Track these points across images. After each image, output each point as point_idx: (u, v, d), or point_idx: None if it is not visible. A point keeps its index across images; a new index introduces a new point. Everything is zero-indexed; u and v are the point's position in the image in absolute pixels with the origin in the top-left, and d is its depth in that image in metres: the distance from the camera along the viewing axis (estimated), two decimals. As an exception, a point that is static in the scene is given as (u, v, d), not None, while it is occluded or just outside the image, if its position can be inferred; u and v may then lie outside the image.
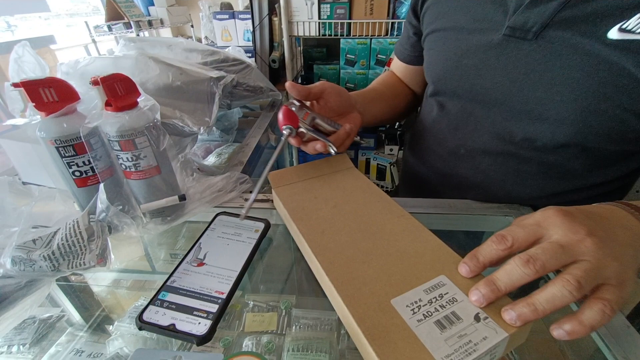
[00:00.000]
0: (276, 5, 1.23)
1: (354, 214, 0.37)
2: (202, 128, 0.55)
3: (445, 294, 0.27)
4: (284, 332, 0.37)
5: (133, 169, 0.39)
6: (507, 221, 0.47)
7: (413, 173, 0.63)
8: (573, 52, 0.37)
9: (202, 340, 0.29)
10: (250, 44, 1.32)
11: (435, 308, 0.26)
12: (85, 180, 0.39)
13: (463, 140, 0.51)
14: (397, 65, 0.68)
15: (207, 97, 0.60)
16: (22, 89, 0.33)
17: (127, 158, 0.38)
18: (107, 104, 0.37)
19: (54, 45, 2.48)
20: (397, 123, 1.30)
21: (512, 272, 0.25)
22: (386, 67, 1.20)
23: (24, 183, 0.46)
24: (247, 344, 0.36)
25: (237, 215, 0.44)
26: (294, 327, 0.38)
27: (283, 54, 1.36)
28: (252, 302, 0.41)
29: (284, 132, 0.42)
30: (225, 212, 0.45)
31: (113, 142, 0.38)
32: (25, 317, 0.36)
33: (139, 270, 0.46)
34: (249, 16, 1.27)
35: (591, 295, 0.25)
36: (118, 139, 0.37)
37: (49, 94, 0.35)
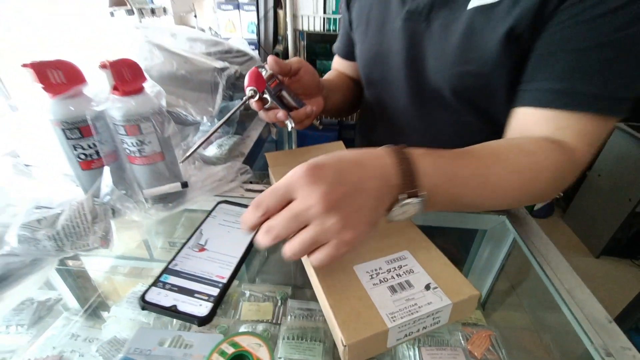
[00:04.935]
0: (281, -2, 1.22)
1: None
2: (204, 117, 0.55)
3: (404, 266, 0.31)
4: (279, 322, 0.39)
5: (137, 154, 0.40)
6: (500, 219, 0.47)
7: None
8: None
9: (203, 321, 0.30)
10: (254, 36, 1.31)
11: (392, 276, 0.30)
12: (89, 164, 0.40)
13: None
14: (339, 63, 0.68)
15: (210, 87, 0.60)
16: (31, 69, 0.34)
17: (132, 143, 0.39)
18: (115, 88, 0.37)
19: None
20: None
21: (259, 239, 0.28)
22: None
23: (26, 165, 0.46)
24: (243, 331, 0.37)
25: (238, 205, 0.45)
26: (289, 317, 0.39)
27: (287, 48, 1.35)
28: (248, 292, 0.42)
29: (247, 92, 0.42)
30: (226, 200, 0.45)
31: (118, 127, 0.38)
32: (23, 299, 0.36)
33: (136, 258, 0.46)
34: (254, 8, 1.27)
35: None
36: (124, 124, 0.37)
37: (57, 76, 0.35)
